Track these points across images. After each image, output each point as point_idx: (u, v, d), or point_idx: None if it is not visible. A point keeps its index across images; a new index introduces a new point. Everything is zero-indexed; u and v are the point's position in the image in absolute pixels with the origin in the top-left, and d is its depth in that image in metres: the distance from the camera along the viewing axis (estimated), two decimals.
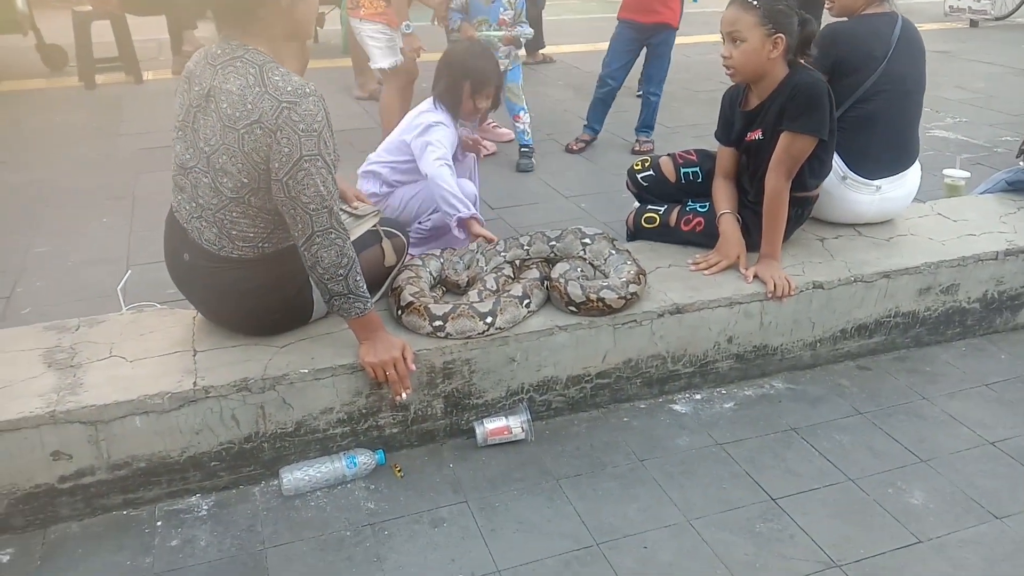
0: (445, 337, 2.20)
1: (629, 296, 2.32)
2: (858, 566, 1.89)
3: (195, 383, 2.00)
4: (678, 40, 4.80)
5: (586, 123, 4.89)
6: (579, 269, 2.45)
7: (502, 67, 4.39)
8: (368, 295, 2.05)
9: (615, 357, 2.39)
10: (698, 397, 2.53)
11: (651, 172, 2.95)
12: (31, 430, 1.88)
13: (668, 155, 2.98)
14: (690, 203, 2.82)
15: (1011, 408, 2.50)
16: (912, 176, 2.94)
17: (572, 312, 2.32)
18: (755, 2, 2.42)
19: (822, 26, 2.82)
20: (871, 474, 2.20)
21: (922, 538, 1.98)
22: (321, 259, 1.94)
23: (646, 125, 4.84)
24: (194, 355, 2.12)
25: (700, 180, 2.89)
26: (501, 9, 4.34)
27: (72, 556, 1.91)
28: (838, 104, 2.66)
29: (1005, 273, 2.83)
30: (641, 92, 5.00)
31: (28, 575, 1.86)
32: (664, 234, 2.81)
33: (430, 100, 2.97)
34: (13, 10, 6.25)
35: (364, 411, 2.17)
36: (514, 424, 2.27)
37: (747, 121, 2.65)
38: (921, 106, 2.95)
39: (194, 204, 2.01)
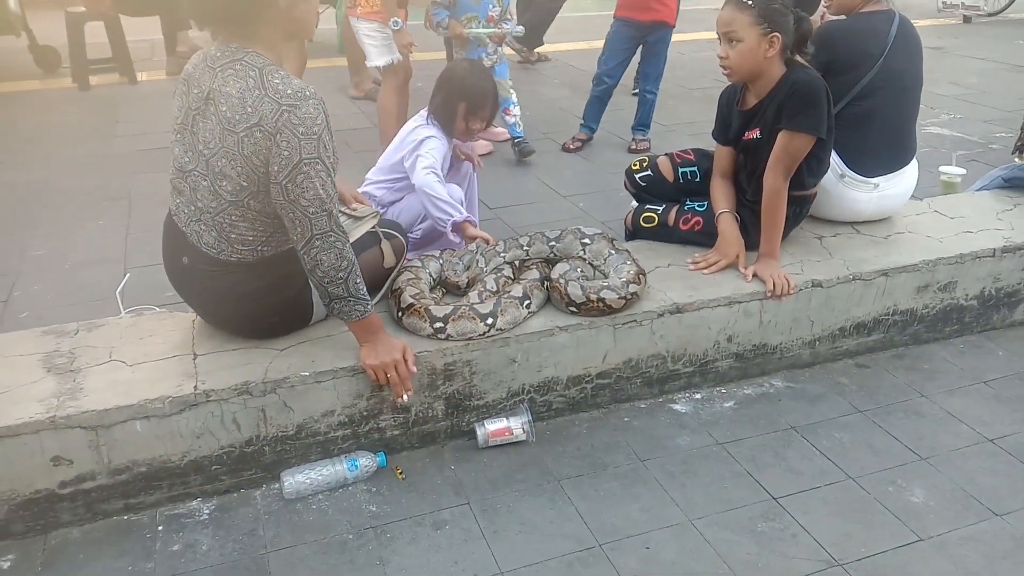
0: (446, 339, 2.20)
1: (629, 296, 2.32)
2: (860, 565, 1.89)
3: (196, 387, 2.00)
4: (673, 37, 4.80)
5: (583, 122, 4.88)
6: (579, 269, 2.45)
7: (489, 63, 4.40)
8: (368, 297, 2.04)
9: (615, 357, 2.39)
10: (698, 396, 2.54)
11: (649, 172, 2.95)
12: (31, 435, 1.87)
13: (666, 155, 2.98)
14: (688, 202, 2.82)
15: (1009, 405, 2.51)
16: (910, 174, 2.95)
17: (572, 313, 2.32)
18: (750, 2, 2.42)
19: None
20: (871, 472, 2.21)
21: (923, 536, 1.98)
22: (321, 262, 1.93)
23: (642, 123, 4.84)
24: (194, 359, 2.11)
25: (698, 179, 2.89)
26: (490, 6, 4.33)
27: (73, 561, 1.91)
28: (835, 101, 2.66)
29: (1002, 270, 2.84)
30: (637, 90, 5.00)
31: None
32: (663, 234, 2.81)
33: (423, 114, 2.96)
34: (5, 11, 6.21)
35: (365, 413, 2.17)
36: (515, 425, 2.27)
37: (745, 120, 2.65)
38: (918, 103, 2.96)
39: (193, 207, 2.00)
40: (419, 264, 2.48)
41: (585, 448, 2.29)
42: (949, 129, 5.20)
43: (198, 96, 1.92)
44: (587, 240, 2.56)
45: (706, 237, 2.72)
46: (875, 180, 2.85)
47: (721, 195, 2.72)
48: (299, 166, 1.85)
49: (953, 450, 2.30)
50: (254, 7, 1.89)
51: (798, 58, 2.57)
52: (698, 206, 2.79)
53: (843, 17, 2.90)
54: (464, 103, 2.88)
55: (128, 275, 2.92)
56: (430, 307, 2.21)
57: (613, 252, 2.52)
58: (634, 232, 2.90)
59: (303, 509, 2.06)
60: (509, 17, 4.49)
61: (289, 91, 1.85)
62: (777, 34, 2.43)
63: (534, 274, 2.41)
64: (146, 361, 2.11)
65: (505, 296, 2.28)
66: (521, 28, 4.62)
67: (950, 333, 2.87)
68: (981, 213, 3.08)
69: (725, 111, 2.76)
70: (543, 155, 4.74)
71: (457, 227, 2.69)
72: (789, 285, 2.50)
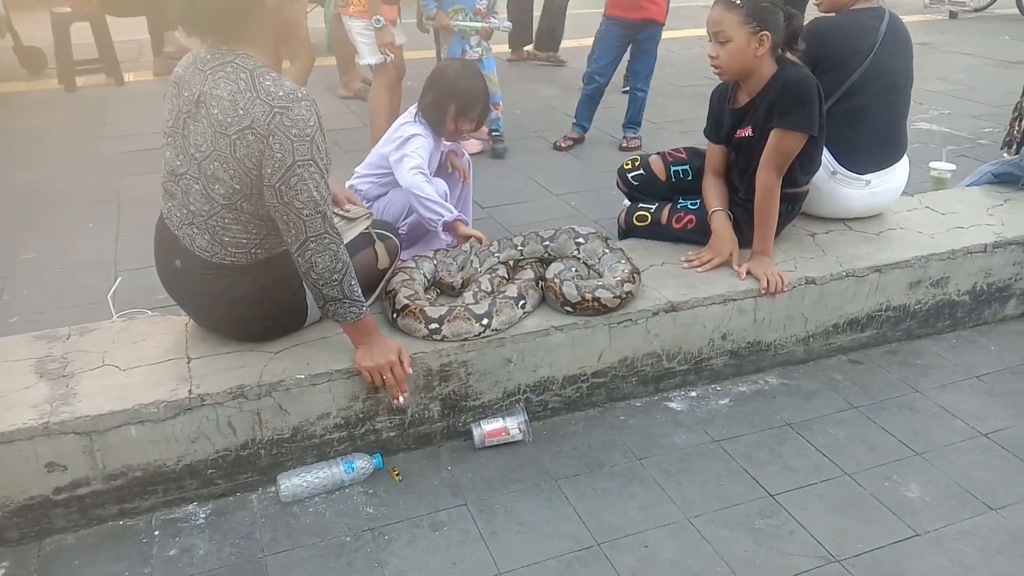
0: (441, 339, 2.19)
1: (624, 295, 2.32)
2: (857, 561, 1.90)
3: (190, 391, 1.98)
4: (662, 35, 4.80)
5: (575, 121, 4.88)
6: (573, 269, 2.45)
7: (475, 56, 4.40)
8: (363, 299, 2.04)
9: (611, 356, 2.39)
10: (693, 394, 2.54)
11: (641, 171, 2.95)
12: (24, 442, 1.86)
13: (658, 154, 2.98)
14: (681, 201, 2.83)
15: (1002, 399, 2.53)
16: (901, 170, 2.96)
17: (568, 312, 2.32)
18: (738, 1, 2.42)
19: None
20: (867, 468, 2.21)
21: (919, 531, 1.99)
22: (315, 264, 1.92)
23: (633, 121, 4.84)
24: (188, 362, 2.10)
25: (690, 178, 2.90)
26: None
27: (69, 568, 1.89)
28: (825, 98, 2.67)
29: (993, 265, 2.85)
30: (627, 88, 5.00)
31: None
32: (656, 232, 2.81)
33: (411, 111, 2.95)
34: None
35: (361, 415, 2.16)
36: (511, 425, 2.26)
37: (736, 118, 2.66)
38: (909, 100, 2.97)
39: (185, 211, 1.99)
40: (413, 265, 2.47)
41: (582, 447, 2.29)
42: (938, 125, 5.23)
43: (189, 99, 1.91)
44: (581, 239, 2.56)
45: (699, 235, 2.72)
46: (867, 177, 2.87)
47: (714, 193, 2.73)
48: (292, 168, 1.84)
49: (947, 445, 2.31)
50: (241, 10, 1.87)
51: (789, 56, 2.58)
52: (691, 204, 2.79)
53: (833, 14, 2.91)
54: (454, 104, 2.86)
55: (120, 279, 2.90)
56: (425, 308, 2.21)
57: (607, 251, 2.52)
58: (627, 231, 2.90)
59: (300, 512, 2.05)
60: (496, 12, 4.49)
61: (281, 93, 1.84)
62: (766, 33, 2.44)
63: (529, 274, 2.41)
64: (140, 365, 2.09)
65: (500, 296, 2.27)
66: (509, 24, 4.61)
67: (942, 328, 2.89)
68: (972, 209, 3.10)
69: (717, 109, 2.76)
70: (535, 154, 4.74)
71: (448, 227, 2.68)
72: (783, 282, 2.51)
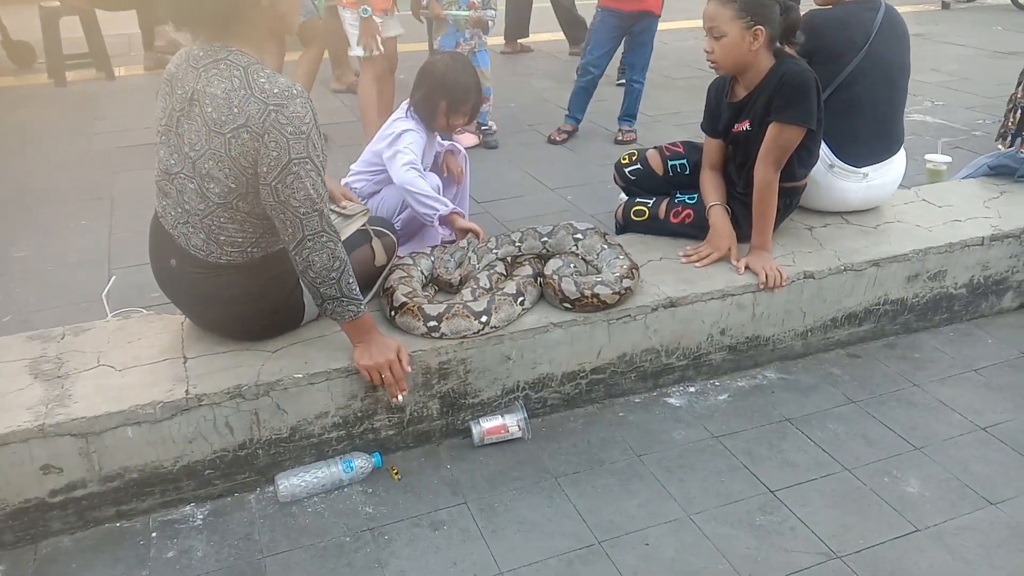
0: (440, 337, 2.18)
1: (623, 291, 2.31)
2: (858, 557, 1.90)
3: (187, 391, 1.96)
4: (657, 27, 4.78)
5: (568, 113, 4.86)
6: (572, 265, 2.43)
7: (468, 49, 4.37)
8: (361, 297, 2.02)
9: (610, 352, 2.38)
10: (692, 390, 2.53)
11: (638, 166, 2.94)
12: (20, 444, 1.84)
13: (655, 148, 2.97)
14: (679, 195, 2.82)
15: (1000, 393, 2.53)
16: (898, 163, 2.96)
17: (567, 309, 2.31)
18: None
19: None
20: (866, 463, 2.21)
21: (919, 526, 1.99)
22: (313, 263, 1.90)
23: (629, 114, 4.82)
24: (184, 362, 2.08)
25: (688, 172, 2.89)
26: None
27: (65, 571, 1.88)
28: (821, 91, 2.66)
29: (991, 258, 2.85)
30: (622, 81, 4.98)
31: None
32: (654, 227, 2.80)
33: (404, 106, 2.93)
34: None
35: (359, 414, 2.15)
36: (511, 423, 2.25)
37: (734, 112, 2.64)
38: (906, 93, 2.97)
39: (180, 210, 1.96)
40: (410, 262, 2.45)
41: (581, 444, 2.29)
42: (932, 116, 5.23)
43: (182, 97, 1.88)
44: (579, 235, 2.55)
45: (697, 230, 2.71)
46: (864, 170, 2.86)
47: (711, 187, 2.72)
48: (288, 166, 1.82)
49: (947, 439, 2.31)
50: (235, 7, 1.84)
51: (787, 49, 2.56)
52: (688, 199, 2.78)
53: (828, 6, 2.90)
54: (445, 100, 2.84)
55: (114, 277, 2.87)
56: (423, 306, 2.19)
57: (606, 247, 2.50)
58: (625, 226, 2.89)
59: (299, 512, 2.04)
60: (492, 5, 4.46)
61: (276, 90, 1.81)
62: (761, 27, 2.42)
63: (527, 270, 2.40)
64: (135, 365, 2.07)
65: (499, 293, 2.26)
66: (493, 12, 4.58)
67: (940, 322, 2.89)
68: (969, 201, 3.09)
69: (714, 103, 2.74)
70: (529, 147, 4.72)
71: (444, 220, 2.66)
72: (782, 277, 2.50)
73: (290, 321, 2.18)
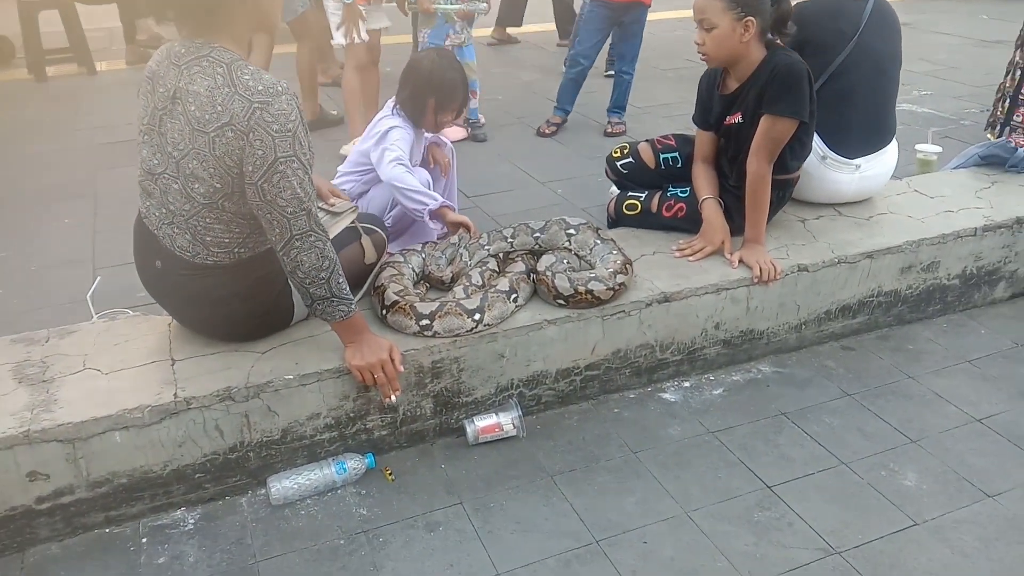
0: (433, 336, 2.15)
1: (617, 287, 2.29)
2: (857, 552, 1.89)
3: (176, 394, 1.93)
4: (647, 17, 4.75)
5: (556, 105, 4.82)
6: (565, 261, 2.41)
7: (458, 42, 4.33)
8: (351, 296, 1.98)
9: (604, 348, 2.36)
10: (687, 385, 2.52)
11: (630, 159, 2.92)
12: (5, 451, 1.80)
13: (646, 141, 2.95)
14: (671, 188, 2.79)
15: (994, 384, 2.53)
16: (890, 153, 2.95)
17: (560, 305, 2.28)
18: None
19: None
20: (863, 457, 2.20)
21: (918, 520, 1.99)
22: (301, 263, 1.87)
23: (618, 105, 4.79)
24: (172, 364, 2.04)
25: (680, 165, 2.86)
26: None
27: None
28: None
29: (983, 249, 2.85)
30: (611, 72, 4.95)
31: None
32: (646, 221, 2.78)
33: (390, 104, 2.88)
34: None
35: (352, 415, 2.12)
36: (505, 421, 2.23)
37: (726, 105, 2.62)
38: (897, 83, 2.95)
39: (164, 210, 1.92)
40: (401, 259, 2.42)
41: (576, 441, 2.26)
42: (921, 106, 5.23)
43: (164, 95, 1.83)
44: (572, 230, 2.52)
45: (690, 223, 2.69)
46: (857, 161, 2.85)
47: (704, 181, 2.69)
48: (274, 165, 1.78)
49: (943, 432, 2.30)
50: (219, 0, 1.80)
51: (778, 40, 2.54)
52: (681, 192, 2.76)
53: None
54: (433, 98, 2.80)
55: (99, 278, 2.81)
56: (415, 304, 2.16)
57: (599, 242, 2.48)
58: (617, 220, 2.86)
59: (292, 515, 2.01)
60: None
61: (260, 87, 1.77)
62: (752, 18, 2.40)
63: (520, 266, 2.37)
64: (123, 368, 2.03)
65: (491, 290, 2.23)
66: (485, 5, 4.54)
67: (933, 313, 2.88)
68: (960, 192, 3.09)
69: (706, 95, 2.72)
70: (518, 140, 4.69)
71: (435, 215, 2.63)
72: (776, 270, 2.49)
73: (280, 321, 2.15)
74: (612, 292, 2.28)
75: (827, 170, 2.85)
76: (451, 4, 4.29)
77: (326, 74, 5.84)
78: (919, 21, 7.92)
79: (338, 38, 4.22)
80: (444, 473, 2.14)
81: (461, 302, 2.17)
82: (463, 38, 4.41)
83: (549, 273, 2.30)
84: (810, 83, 2.47)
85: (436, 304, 2.16)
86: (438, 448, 2.23)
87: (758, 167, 2.49)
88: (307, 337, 2.15)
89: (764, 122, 2.47)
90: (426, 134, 3.02)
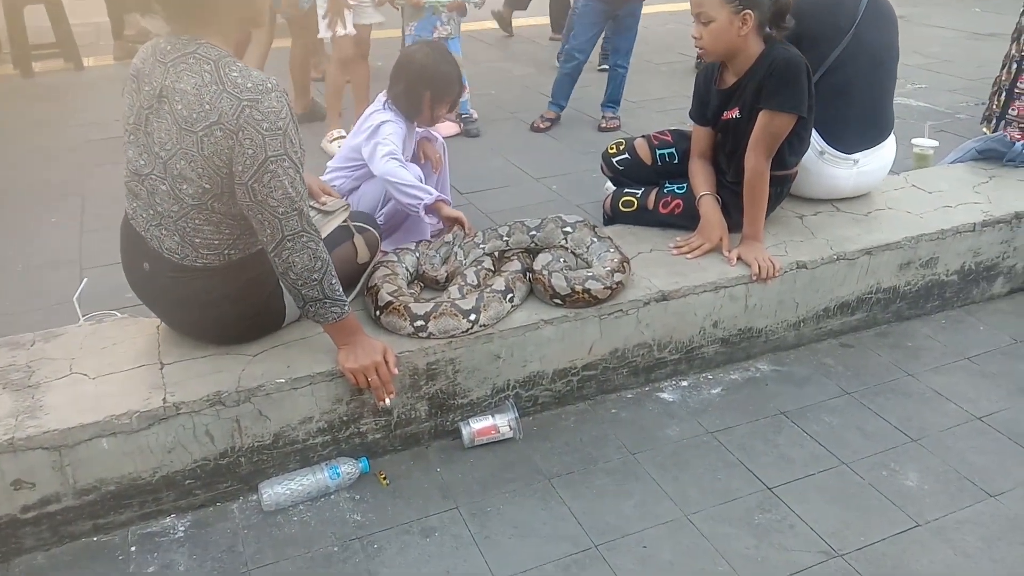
0: (427, 337, 2.11)
1: (614, 286, 2.25)
2: (860, 555, 1.86)
3: (164, 399, 1.88)
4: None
5: (551, 100, 4.78)
6: (561, 259, 2.37)
7: (444, 34, 4.28)
8: (345, 298, 1.94)
9: (601, 348, 2.33)
10: (684, 384, 2.49)
11: (626, 155, 2.88)
12: None
13: (643, 137, 2.91)
14: (667, 185, 2.76)
15: (994, 381, 2.51)
16: (888, 148, 2.92)
17: (557, 305, 2.25)
18: None
19: None
20: (864, 456, 2.18)
21: (920, 521, 1.96)
22: (293, 264, 1.82)
23: (612, 100, 4.75)
24: (161, 368, 2.00)
25: (676, 161, 2.83)
26: None
27: None
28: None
29: (982, 244, 2.82)
30: (604, 66, 4.90)
31: None
32: (643, 218, 2.74)
33: (380, 99, 2.84)
34: None
35: (345, 418, 2.08)
36: (501, 423, 2.19)
37: (723, 99, 2.58)
38: (895, 76, 2.92)
39: (152, 211, 1.87)
40: (394, 258, 2.38)
41: (574, 443, 2.23)
42: (915, 99, 5.20)
43: (150, 94, 1.78)
44: (569, 228, 2.48)
45: (687, 220, 2.65)
46: (855, 156, 2.81)
47: (701, 177, 2.66)
48: (265, 164, 1.73)
49: (943, 430, 2.28)
50: None
51: (777, 34, 2.50)
52: (677, 188, 2.72)
53: None
54: (429, 91, 2.76)
55: (85, 280, 2.76)
56: (410, 305, 2.12)
57: (596, 240, 2.44)
58: (613, 216, 2.83)
59: (284, 521, 1.97)
60: None
61: (249, 85, 1.72)
62: (749, 11, 2.36)
63: (515, 265, 2.33)
64: (110, 373, 1.98)
65: (487, 290, 2.19)
66: None
67: (931, 309, 2.86)
68: (958, 187, 3.06)
69: (703, 90, 2.68)
70: (512, 135, 4.64)
71: (430, 209, 2.59)
72: (774, 268, 2.46)
73: (271, 323, 2.11)
74: (610, 291, 2.25)
75: (825, 165, 2.82)
76: None
77: (317, 69, 5.78)
78: (912, 14, 7.90)
79: (323, 30, 4.17)
80: (439, 477, 2.11)
81: (456, 302, 2.14)
82: (449, 30, 4.36)
83: (546, 272, 2.26)
84: (809, 77, 2.44)
85: (431, 305, 2.12)
86: (433, 451, 2.20)
87: (756, 163, 2.46)
88: (299, 339, 2.11)
89: (762, 117, 2.43)
90: (417, 129, 2.98)
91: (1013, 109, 4.12)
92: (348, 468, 2.05)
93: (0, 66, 6.07)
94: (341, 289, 1.93)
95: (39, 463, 1.80)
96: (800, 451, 2.20)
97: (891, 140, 2.93)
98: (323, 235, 2.09)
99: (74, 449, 1.82)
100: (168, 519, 1.97)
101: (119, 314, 2.38)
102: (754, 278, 2.44)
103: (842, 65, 2.76)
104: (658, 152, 2.85)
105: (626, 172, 2.88)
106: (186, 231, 1.85)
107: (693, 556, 1.86)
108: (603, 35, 4.95)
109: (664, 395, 2.44)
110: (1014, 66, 4.10)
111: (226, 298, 1.95)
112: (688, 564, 1.84)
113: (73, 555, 1.88)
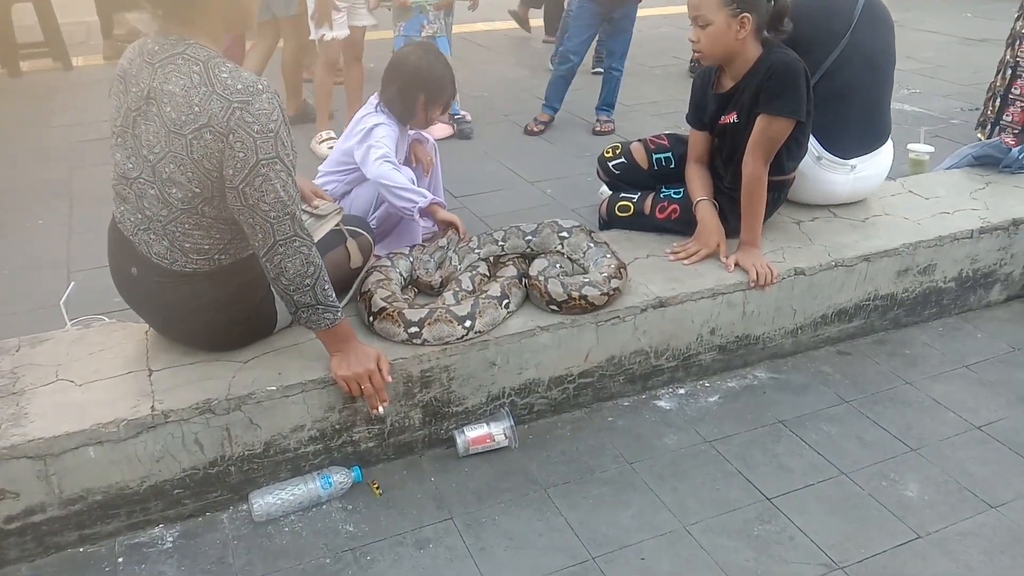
0: (422, 344, 2.07)
1: (611, 292, 2.22)
2: (861, 567, 1.84)
3: (153, 407, 1.84)
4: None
5: (545, 102, 4.75)
6: (558, 265, 2.34)
7: (431, 32, 4.25)
8: (337, 303, 1.90)
9: (598, 355, 2.29)
10: (682, 391, 2.46)
11: (622, 159, 2.85)
12: None
13: (639, 141, 2.88)
14: (664, 190, 2.73)
15: (992, 389, 2.49)
16: (885, 154, 2.90)
17: (553, 311, 2.21)
18: None
19: None
20: (863, 466, 2.15)
21: (921, 533, 1.94)
22: (285, 270, 1.78)
23: (607, 103, 4.72)
24: (150, 375, 1.95)
25: (673, 166, 2.80)
26: None
27: None
28: None
29: (980, 251, 2.81)
30: (598, 69, 4.88)
31: None
32: (639, 223, 2.72)
33: (372, 101, 2.80)
34: None
35: (337, 427, 2.04)
36: (496, 431, 2.16)
37: (721, 104, 2.56)
38: (892, 81, 2.91)
39: (140, 216, 1.83)
40: (388, 263, 2.34)
41: (570, 452, 2.20)
42: (910, 104, 5.20)
43: (137, 95, 1.74)
44: (565, 233, 2.45)
45: (684, 225, 2.63)
46: (852, 162, 2.80)
47: (698, 182, 2.63)
48: (256, 168, 1.69)
49: (942, 439, 2.26)
50: None
51: (775, 38, 2.48)
52: (674, 193, 2.70)
53: None
54: (423, 93, 2.72)
55: (73, 284, 2.71)
56: (404, 311, 2.08)
57: (592, 245, 2.41)
58: (609, 221, 2.80)
59: (275, 532, 1.93)
60: None
61: (239, 86, 1.68)
62: (747, 14, 2.34)
63: (511, 271, 2.30)
64: (97, 379, 1.94)
65: (482, 296, 2.16)
66: None
67: (929, 316, 2.84)
68: (955, 193, 3.05)
69: (700, 94, 2.66)
70: (506, 139, 4.61)
71: (425, 213, 2.55)
72: (772, 274, 2.43)
73: (262, 329, 2.06)
74: (607, 297, 2.22)
75: (822, 171, 2.80)
76: None
77: (309, 70, 5.73)
78: (905, 19, 7.90)
79: (313, 31, 4.14)
80: (434, 487, 2.07)
81: (451, 308, 2.10)
82: (436, 28, 4.33)
83: (542, 278, 2.23)
84: (807, 82, 2.42)
85: (425, 311, 2.09)
86: (427, 460, 2.16)
87: (754, 168, 2.43)
88: (291, 346, 2.07)
89: (760, 122, 2.41)
90: (409, 131, 2.94)
91: (1008, 115, 4.13)
92: (340, 477, 2.02)
93: None
94: (334, 294, 1.89)
95: (23, 472, 1.75)
96: (799, 460, 2.18)
97: (888, 146, 2.91)
98: (315, 239, 2.06)
99: (60, 458, 1.77)
100: (156, 529, 1.93)
101: (107, 319, 2.33)
102: (752, 285, 2.42)
103: (838, 69, 2.74)
104: (655, 156, 2.82)
105: (622, 176, 2.86)
106: (175, 236, 1.81)
107: (692, 569, 1.83)
108: (597, 38, 4.92)
109: (661, 403, 2.41)
110: (1009, 72, 4.10)
111: (216, 303, 1.91)
112: None
113: (58, 566, 1.84)
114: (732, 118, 2.52)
